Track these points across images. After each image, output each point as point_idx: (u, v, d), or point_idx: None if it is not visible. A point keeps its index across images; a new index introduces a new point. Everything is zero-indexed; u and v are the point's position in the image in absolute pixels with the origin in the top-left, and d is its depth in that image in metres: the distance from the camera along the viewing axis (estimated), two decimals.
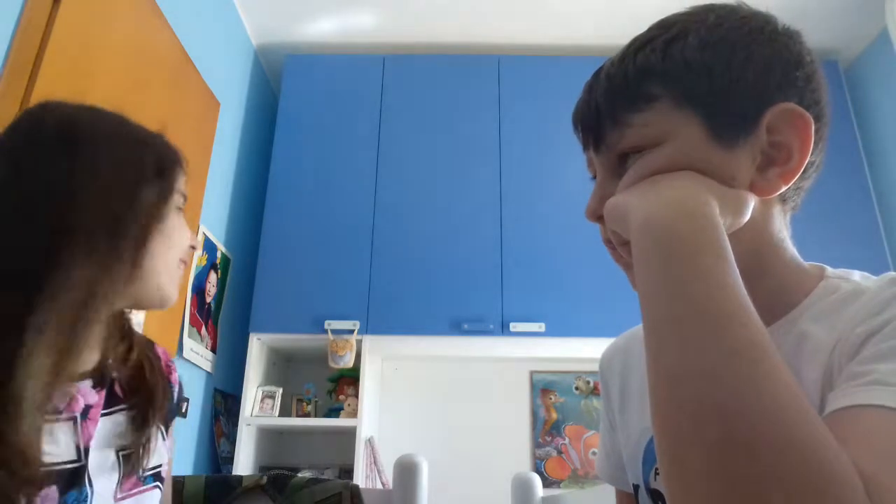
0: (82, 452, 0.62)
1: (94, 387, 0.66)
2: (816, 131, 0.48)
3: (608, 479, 0.72)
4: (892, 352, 0.39)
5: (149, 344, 0.77)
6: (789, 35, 0.50)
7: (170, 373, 0.79)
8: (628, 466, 0.64)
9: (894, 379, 0.37)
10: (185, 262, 0.75)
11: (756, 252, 0.49)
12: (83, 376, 0.66)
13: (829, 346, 0.44)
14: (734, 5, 0.52)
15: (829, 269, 0.53)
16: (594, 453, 2.41)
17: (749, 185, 0.48)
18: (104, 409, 0.67)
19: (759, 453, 0.31)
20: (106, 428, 0.66)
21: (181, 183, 0.73)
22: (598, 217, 0.53)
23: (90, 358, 0.67)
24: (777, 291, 0.50)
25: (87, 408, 0.64)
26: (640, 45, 0.51)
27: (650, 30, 0.52)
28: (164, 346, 0.81)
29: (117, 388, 0.69)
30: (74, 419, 0.63)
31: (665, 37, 0.50)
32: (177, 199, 0.72)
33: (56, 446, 0.60)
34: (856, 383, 0.39)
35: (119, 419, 0.69)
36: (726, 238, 0.41)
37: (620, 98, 0.50)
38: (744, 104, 0.48)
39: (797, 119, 0.47)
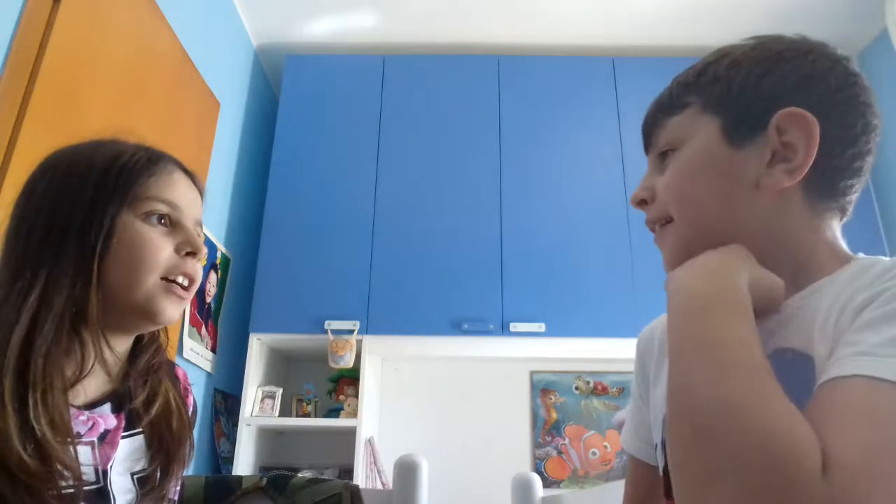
0: (101, 475, 0.63)
1: (113, 411, 0.66)
2: (854, 140, 0.54)
3: (635, 451, 0.76)
4: (879, 320, 0.41)
5: (170, 366, 0.76)
6: (826, 57, 0.55)
7: (187, 396, 0.78)
8: (654, 426, 0.69)
9: (879, 349, 0.39)
10: (174, 277, 0.66)
11: (769, 237, 0.55)
12: (102, 400, 0.65)
13: (834, 317, 0.47)
14: (781, 36, 0.58)
15: (863, 255, 0.56)
16: (594, 453, 2.41)
17: (757, 179, 0.54)
18: (124, 431, 0.67)
19: (718, 439, 0.37)
20: (124, 451, 0.67)
21: (152, 190, 0.66)
22: (638, 202, 0.62)
23: (96, 382, 0.66)
24: (800, 267, 0.54)
25: (106, 432, 0.64)
26: (691, 67, 0.60)
27: (705, 56, 0.61)
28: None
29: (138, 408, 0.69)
30: (93, 444, 0.63)
31: (709, 60, 0.59)
32: (147, 207, 0.66)
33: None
34: (843, 354, 0.41)
35: (139, 442, 0.68)
36: (740, 293, 0.47)
37: (664, 106, 0.61)
38: (753, 108, 0.54)
39: (802, 121, 0.52)
